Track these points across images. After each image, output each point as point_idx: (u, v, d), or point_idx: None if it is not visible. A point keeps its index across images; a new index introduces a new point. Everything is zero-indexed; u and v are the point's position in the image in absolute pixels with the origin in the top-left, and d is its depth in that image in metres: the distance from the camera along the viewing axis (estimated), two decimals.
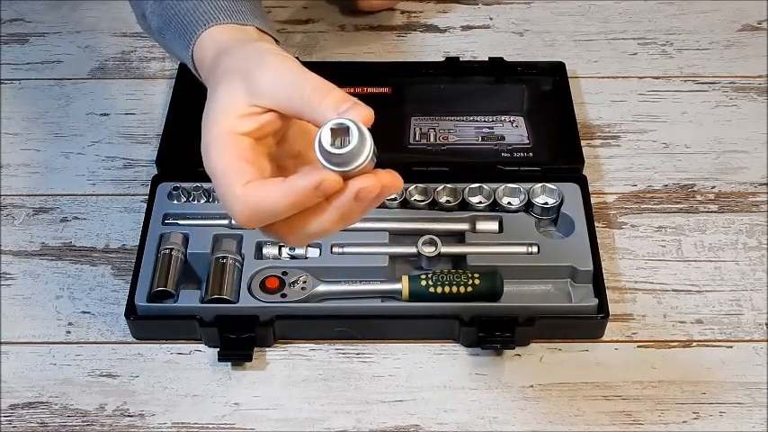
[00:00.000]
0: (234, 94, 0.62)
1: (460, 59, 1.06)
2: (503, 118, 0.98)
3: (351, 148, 0.56)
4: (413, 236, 0.87)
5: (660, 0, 1.17)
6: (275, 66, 0.63)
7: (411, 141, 0.97)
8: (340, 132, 0.57)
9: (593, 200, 0.92)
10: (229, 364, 0.82)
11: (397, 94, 1.02)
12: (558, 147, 0.96)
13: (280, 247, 0.86)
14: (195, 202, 0.90)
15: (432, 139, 0.97)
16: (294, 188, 0.58)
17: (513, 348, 0.82)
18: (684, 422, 0.79)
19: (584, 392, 0.81)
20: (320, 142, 0.57)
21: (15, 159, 0.99)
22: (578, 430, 0.79)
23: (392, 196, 0.90)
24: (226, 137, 0.62)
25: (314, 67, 1.09)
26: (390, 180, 0.60)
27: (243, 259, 0.86)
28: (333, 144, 0.57)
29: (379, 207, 0.89)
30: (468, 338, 0.83)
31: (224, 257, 0.85)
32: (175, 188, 0.90)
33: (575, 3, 1.17)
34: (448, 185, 0.90)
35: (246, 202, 0.60)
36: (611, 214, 0.94)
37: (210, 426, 0.79)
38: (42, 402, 0.80)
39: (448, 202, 0.90)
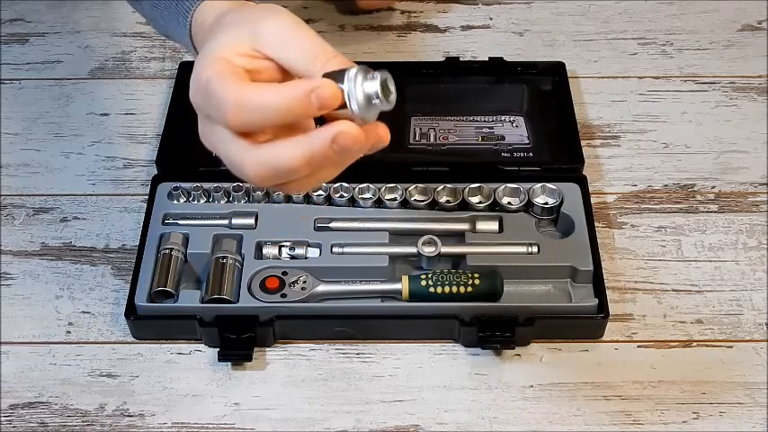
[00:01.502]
0: (237, 36, 0.61)
1: (460, 59, 1.06)
2: (503, 118, 0.98)
3: (394, 96, 0.56)
4: (413, 236, 0.87)
5: (660, 0, 1.17)
6: (285, 21, 0.62)
7: (411, 141, 0.97)
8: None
9: (593, 200, 0.92)
10: (229, 364, 0.82)
11: (398, 94, 1.01)
12: (558, 147, 0.96)
13: (280, 248, 0.86)
14: (195, 202, 0.90)
15: (432, 139, 0.97)
16: (314, 138, 0.58)
17: (513, 348, 0.82)
18: (684, 422, 0.79)
19: (584, 392, 0.81)
20: (367, 92, 0.57)
21: (15, 159, 0.99)
22: (578, 430, 0.79)
23: (392, 196, 0.90)
24: (223, 62, 0.60)
25: None
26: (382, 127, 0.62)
27: (243, 259, 0.86)
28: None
29: (379, 207, 0.90)
30: (468, 338, 0.83)
31: (224, 257, 0.85)
32: (175, 188, 0.90)
33: (575, 3, 1.17)
34: (448, 185, 0.90)
35: (242, 103, 0.58)
36: (611, 214, 0.94)
37: (210, 426, 0.79)
38: (42, 402, 0.80)
39: (448, 202, 0.90)
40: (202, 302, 0.83)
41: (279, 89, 0.58)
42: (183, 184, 0.91)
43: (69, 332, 0.85)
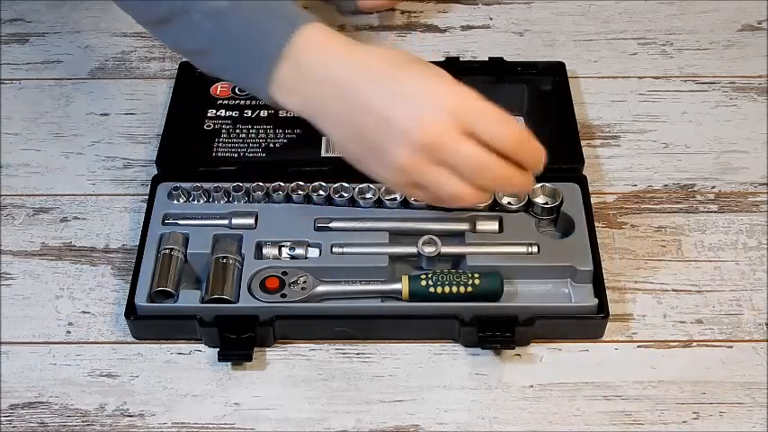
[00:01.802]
0: None
1: (460, 59, 1.06)
2: None
3: None
4: (413, 236, 0.87)
5: (660, 0, 1.17)
6: None
7: None
8: None
9: (593, 200, 0.92)
10: (229, 364, 0.82)
11: None
12: (558, 147, 0.95)
13: (280, 247, 0.86)
14: (195, 202, 0.90)
15: None
16: None
17: (513, 348, 0.82)
18: (684, 422, 0.79)
19: (583, 392, 0.81)
20: None
21: (15, 159, 0.99)
22: (578, 430, 0.79)
23: (392, 196, 0.90)
24: None
25: None
26: None
27: (243, 259, 0.86)
28: None
29: (379, 207, 0.90)
30: (468, 338, 0.83)
31: (224, 257, 0.85)
32: (175, 188, 0.90)
33: (575, 3, 1.17)
34: None
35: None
36: (611, 214, 0.94)
37: (210, 426, 0.79)
38: (42, 402, 0.80)
39: None
40: (202, 302, 0.83)
41: None
42: (183, 184, 0.91)
43: (69, 332, 0.85)
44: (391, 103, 0.71)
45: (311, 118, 0.75)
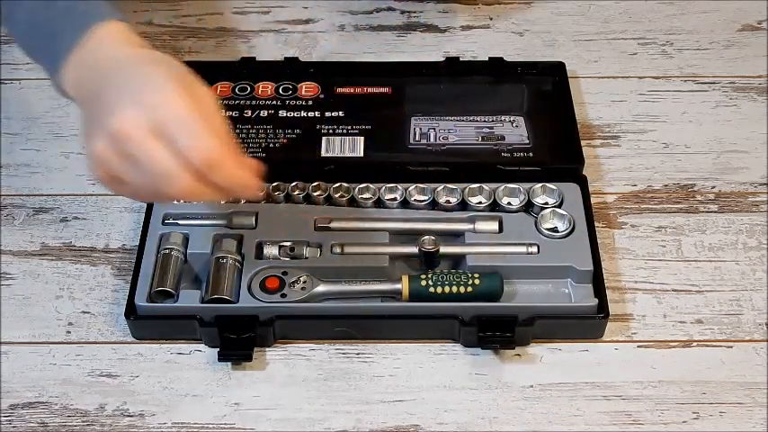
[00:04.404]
0: None
1: (460, 59, 1.06)
2: (503, 118, 0.98)
3: None
4: (413, 236, 0.88)
5: (660, 0, 1.17)
6: None
7: (411, 141, 0.97)
8: None
9: (593, 200, 0.92)
10: (229, 364, 0.82)
11: (397, 94, 1.02)
12: (558, 147, 0.96)
13: (280, 247, 0.86)
14: (195, 203, 0.90)
15: (432, 139, 0.97)
16: None
17: (513, 348, 0.82)
18: (684, 422, 0.79)
19: (584, 392, 0.81)
20: None
21: (15, 159, 0.99)
22: (578, 430, 0.79)
23: (392, 196, 0.90)
24: None
25: (314, 66, 1.10)
26: None
27: (243, 259, 0.85)
28: None
29: (379, 207, 0.90)
30: (468, 338, 0.83)
31: (224, 257, 0.85)
32: None
33: (575, 3, 1.17)
34: (448, 185, 0.90)
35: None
36: (611, 214, 0.94)
37: (210, 426, 0.79)
38: (42, 402, 0.80)
39: (448, 202, 0.90)
40: (202, 302, 0.83)
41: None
42: None
43: (69, 332, 0.85)
44: (115, 93, 0.70)
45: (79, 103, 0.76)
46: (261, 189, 0.76)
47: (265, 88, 1.02)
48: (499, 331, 0.81)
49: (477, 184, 0.90)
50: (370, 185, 0.91)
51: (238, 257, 0.85)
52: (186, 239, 0.87)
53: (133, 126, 0.68)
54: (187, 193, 0.70)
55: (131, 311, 0.83)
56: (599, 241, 0.87)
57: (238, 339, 0.82)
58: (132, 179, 0.70)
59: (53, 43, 0.75)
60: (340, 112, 0.99)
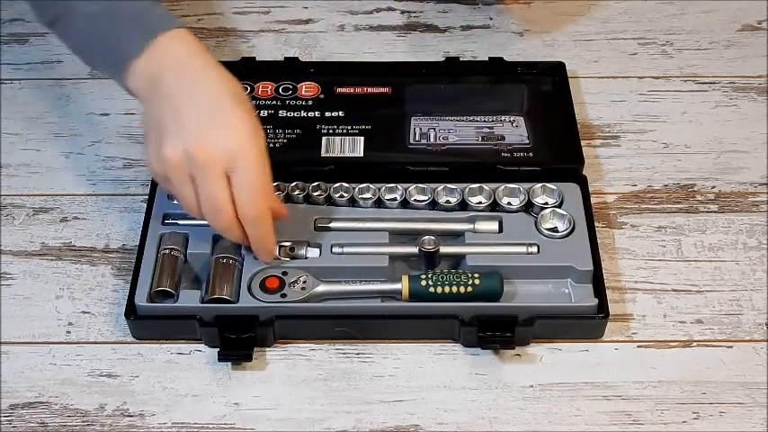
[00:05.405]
0: None
1: (460, 59, 1.06)
2: (503, 118, 0.98)
3: None
4: (413, 236, 0.88)
5: (660, 0, 1.17)
6: None
7: (411, 141, 0.97)
8: None
9: (593, 200, 0.92)
10: (229, 364, 0.82)
11: (397, 94, 1.02)
12: (558, 147, 0.96)
13: (280, 247, 0.86)
14: None
15: (432, 139, 0.97)
16: None
17: (513, 348, 0.82)
18: (684, 422, 0.79)
19: (584, 392, 0.81)
20: None
21: (15, 159, 0.99)
22: (578, 430, 0.79)
23: (392, 196, 0.90)
24: None
25: (314, 66, 1.09)
26: None
27: (243, 259, 0.86)
28: None
29: (379, 207, 0.90)
30: (468, 338, 0.83)
31: (224, 257, 0.85)
32: None
33: (575, 3, 1.17)
34: (448, 185, 0.90)
35: None
36: (611, 214, 0.94)
37: (210, 426, 0.79)
38: (42, 402, 0.80)
39: (448, 202, 0.90)
40: (202, 302, 0.83)
41: None
42: None
43: (69, 332, 0.85)
44: (190, 110, 0.77)
45: (145, 100, 0.80)
46: (273, 258, 0.84)
47: (265, 88, 1.02)
48: (499, 331, 0.81)
49: (477, 184, 0.90)
50: (370, 185, 0.91)
51: (238, 257, 0.85)
52: (186, 239, 0.87)
53: (211, 158, 0.75)
54: (221, 228, 0.79)
55: (131, 311, 0.83)
56: (599, 241, 0.87)
57: (238, 339, 0.82)
58: (183, 193, 0.78)
59: (118, 49, 0.80)
60: (340, 112, 0.99)
